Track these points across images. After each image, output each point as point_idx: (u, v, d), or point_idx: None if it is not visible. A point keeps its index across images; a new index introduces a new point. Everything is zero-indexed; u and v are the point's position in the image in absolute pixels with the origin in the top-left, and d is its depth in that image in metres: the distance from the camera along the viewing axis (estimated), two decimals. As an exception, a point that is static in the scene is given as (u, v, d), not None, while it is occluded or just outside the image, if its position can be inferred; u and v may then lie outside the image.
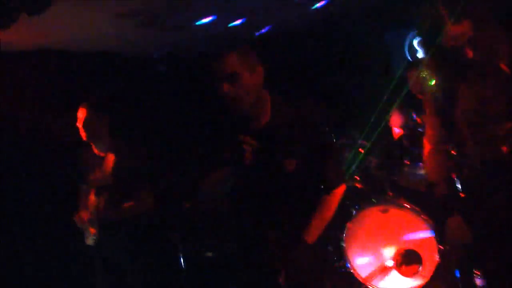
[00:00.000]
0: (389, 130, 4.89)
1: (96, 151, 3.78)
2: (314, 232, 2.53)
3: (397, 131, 4.87)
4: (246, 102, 2.43)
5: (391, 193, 4.33)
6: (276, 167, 2.47)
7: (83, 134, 3.70)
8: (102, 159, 3.74)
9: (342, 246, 4.21)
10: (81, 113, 3.71)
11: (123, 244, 3.73)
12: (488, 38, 2.57)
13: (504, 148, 2.60)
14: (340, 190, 2.60)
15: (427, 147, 2.87)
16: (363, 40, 5.32)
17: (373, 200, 4.32)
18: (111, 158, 3.71)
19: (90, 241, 3.71)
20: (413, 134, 4.47)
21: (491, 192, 2.61)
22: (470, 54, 2.57)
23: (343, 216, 4.32)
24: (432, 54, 2.70)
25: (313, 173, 2.52)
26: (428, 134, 2.87)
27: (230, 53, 2.41)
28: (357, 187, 4.54)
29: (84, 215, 3.70)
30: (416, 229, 4.05)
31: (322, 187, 2.56)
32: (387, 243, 4.14)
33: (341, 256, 4.25)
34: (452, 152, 2.69)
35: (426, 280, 4.00)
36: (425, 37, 2.67)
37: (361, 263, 4.18)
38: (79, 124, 3.70)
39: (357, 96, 5.54)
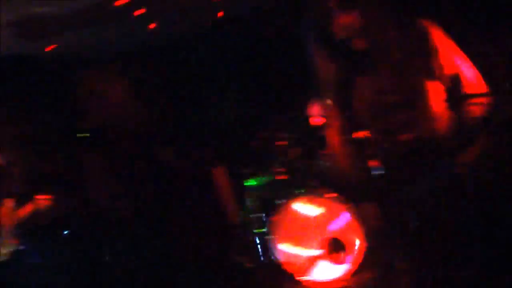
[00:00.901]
0: (308, 119, 4.88)
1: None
2: None
3: (316, 120, 4.87)
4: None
5: (314, 183, 4.33)
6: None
7: None
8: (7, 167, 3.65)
9: (269, 239, 4.21)
10: None
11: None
12: (378, 28, 2.58)
13: (404, 138, 2.64)
14: None
15: (334, 137, 2.90)
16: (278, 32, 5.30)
17: (296, 191, 4.32)
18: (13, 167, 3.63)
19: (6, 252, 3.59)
20: (331, 124, 4.47)
21: (393, 180, 2.63)
22: (361, 44, 2.57)
23: (268, 209, 4.32)
24: (325, 45, 2.69)
25: None
26: (333, 124, 2.89)
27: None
28: (279, 179, 4.52)
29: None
30: (340, 217, 4.06)
31: None
32: (314, 232, 4.14)
33: (269, 250, 4.24)
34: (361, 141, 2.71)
35: (356, 265, 4.02)
36: (317, 28, 2.65)
37: (289, 255, 4.18)
38: None
39: (275, 88, 5.52)
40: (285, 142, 4.60)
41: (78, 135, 2.98)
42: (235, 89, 5.34)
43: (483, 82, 2.73)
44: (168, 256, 3.64)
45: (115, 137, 3.31)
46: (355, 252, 4.00)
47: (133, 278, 3.68)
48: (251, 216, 4.61)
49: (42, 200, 3.60)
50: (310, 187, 4.31)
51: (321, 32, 2.65)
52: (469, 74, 2.71)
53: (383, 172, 2.66)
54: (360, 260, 3.98)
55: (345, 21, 2.56)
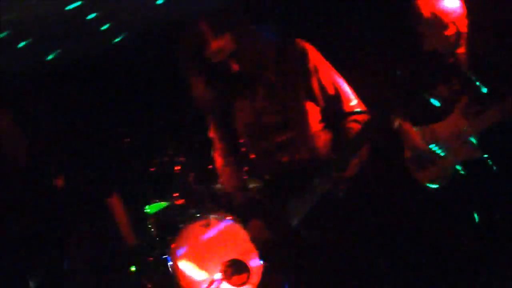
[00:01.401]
0: (206, 143, 4.90)
1: None
2: None
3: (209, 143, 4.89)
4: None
5: (211, 206, 4.35)
6: None
7: None
8: None
9: (170, 265, 4.17)
10: None
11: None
12: (253, 50, 2.63)
13: (284, 158, 2.70)
14: None
15: (218, 161, 2.94)
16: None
17: (194, 215, 4.31)
18: None
19: None
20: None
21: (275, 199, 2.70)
22: (237, 67, 2.62)
23: (168, 234, 4.30)
24: (199, 72, 2.72)
25: None
26: (216, 148, 2.93)
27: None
28: (177, 204, 4.52)
29: None
30: (238, 239, 4.08)
31: None
32: (214, 256, 4.14)
33: (170, 274, 4.20)
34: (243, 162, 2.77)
35: (255, 286, 4.05)
36: (189, 56, 2.67)
37: (191, 280, 4.16)
38: None
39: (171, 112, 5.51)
40: (179, 167, 4.60)
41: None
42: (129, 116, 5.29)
43: (359, 101, 2.83)
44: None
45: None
46: (255, 273, 4.04)
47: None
48: (151, 241, 4.56)
49: None
50: (207, 210, 4.31)
51: (196, 58, 2.67)
52: (346, 93, 2.80)
53: (266, 191, 2.73)
54: (259, 280, 4.04)
55: (219, 45, 2.59)
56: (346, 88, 2.81)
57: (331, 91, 2.76)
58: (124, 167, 4.80)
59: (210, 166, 4.56)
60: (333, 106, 2.77)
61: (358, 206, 2.72)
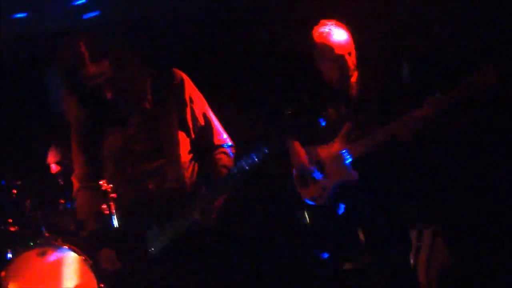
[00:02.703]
0: (46, 167, 4.73)
1: None
2: None
3: (54, 168, 4.73)
4: None
5: (48, 234, 4.16)
6: None
7: None
8: None
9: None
10: None
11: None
12: (127, 78, 2.62)
13: (150, 185, 2.69)
14: None
15: (75, 184, 2.85)
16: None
17: (29, 243, 4.09)
18: None
19: None
20: (68, 172, 4.37)
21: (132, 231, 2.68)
22: (111, 93, 2.59)
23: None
24: (72, 93, 2.66)
25: None
26: (76, 172, 2.85)
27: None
28: (11, 230, 4.26)
29: None
30: (76, 269, 3.93)
31: None
32: (49, 286, 3.95)
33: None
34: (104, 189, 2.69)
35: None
36: (63, 75, 2.60)
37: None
38: None
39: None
40: (17, 191, 4.36)
41: None
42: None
43: (227, 135, 2.93)
44: None
45: None
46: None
47: None
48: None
49: None
50: (44, 238, 4.12)
51: (71, 79, 2.60)
52: (216, 126, 2.88)
53: (124, 219, 2.67)
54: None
55: (95, 70, 2.54)
56: (215, 121, 2.89)
57: (202, 123, 2.82)
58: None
59: (51, 192, 4.43)
60: (203, 137, 2.83)
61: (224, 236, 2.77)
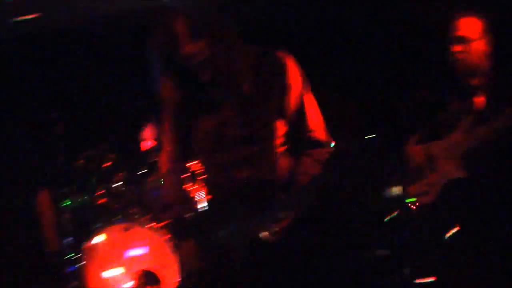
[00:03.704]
0: (139, 142, 4.71)
1: None
2: None
3: (148, 144, 4.71)
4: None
5: (135, 211, 4.13)
6: None
7: None
8: None
9: (81, 266, 3.93)
10: None
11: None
12: (226, 59, 2.47)
13: (241, 174, 2.53)
14: None
15: (164, 165, 2.74)
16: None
17: (115, 217, 4.09)
18: None
19: None
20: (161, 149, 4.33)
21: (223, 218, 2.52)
22: (208, 74, 2.45)
23: (83, 234, 4.06)
24: (168, 72, 2.54)
25: None
26: (165, 150, 2.73)
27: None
28: (99, 202, 4.28)
29: None
30: (157, 249, 3.89)
31: None
32: (127, 263, 3.93)
33: (79, 278, 3.96)
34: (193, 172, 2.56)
35: (165, 301, 3.87)
36: (161, 53, 2.49)
37: (99, 284, 3.93)
38: None
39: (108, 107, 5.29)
40: (109, 164, 4.36)
41: None
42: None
43: (324, 129, 2.69)
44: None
45: None
46: (168, 287, 3.85)
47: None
48: (64, 240, 4.30)
49: None
50: (130, 214, 4.10)
51: (166, 58, 2.48)
52: (314, 121, 2.65)
53: (210, 207, 2.53)
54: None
55: (193, 50, 2.41)
56: (315, 115, 2.66)
57: (300, 114, 2.61)
58: (52, 156, 4.50)
59: (143, 168, 4.40)
60: (298, 130, 2.62)
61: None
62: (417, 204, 3.15)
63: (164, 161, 2.76)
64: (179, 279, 3.77)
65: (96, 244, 3.95)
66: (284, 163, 2.61)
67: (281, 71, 2.55)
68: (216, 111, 2.57)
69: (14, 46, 5.05)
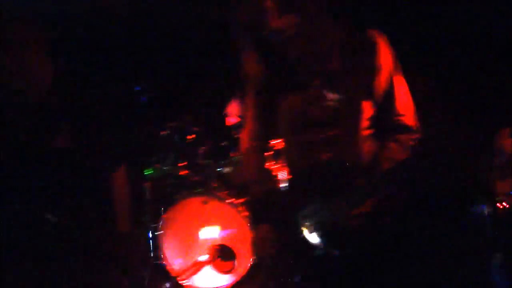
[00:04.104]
0: (223, 118, 4.71)
1: None
2: None
3: (232, 120, 4.70)
4: None
5: (215, 184, 4.14)
6: None
7: None
8: None
9: (158, 235, 3.99)
10: None
11: None
12: (314, 36, 2.38)
13: (324, 155, 2.45)
14: None
15: (244, 143, 2.69)
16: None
17: (195, 189, 4.11)
18: None
19: None
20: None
21: (298, 199, 2.46)
22: (296, 50, 2.38)
23: (162, 204, 4.11)
24: (253, 48, 2.48)
25: None
26: (247, 128, 2.68)
27: None
28: (180, 174, 4.31)
29: None
30: (234, 225, 3.89)
31: None
32: (204, 236, 3.95)
33: (155, 246, 4.03)
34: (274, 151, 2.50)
35: (239, 277, 3.87)
36: (247, 29, 2.43)
37: (175, 255, 3.99)
38: None
39: (194, 79, 5.30)
40: (194, 136, 4.38)
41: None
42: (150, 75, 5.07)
43: (414, 114, 2.57)
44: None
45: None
46: (242, 264, 3.85)
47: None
48: (144, 208, 4.36)
49: None
50: (210, 188, 4.11)
51: (253, 32, 2.43)
52: (403, 105, 2.53)
53: (289, 187, 2.46)
54: (244, 273, 3.85)
55: (280, 25, 2.34)
56: (405, 99, 2.52)
57: (388, 97, 2.49)
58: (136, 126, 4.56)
59: (226, 143, 4.40)
60: (385, 114, 2.50)
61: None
62: (505, 203, 2.98)
63: (245, 139, 2.71)
64: (254, 258, 3.78)
65: (174, 215, 4.00)
66: (368, 147, 2.50)
67: (371, 50, 2.43)
68: (301, 89, 2.49)
69: (102, 16, 5.12)
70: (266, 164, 2.52)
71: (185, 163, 4.37)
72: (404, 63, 2.54)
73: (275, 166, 2.50)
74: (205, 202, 3.97)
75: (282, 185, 2.45)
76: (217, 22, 4.75)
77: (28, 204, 2.86)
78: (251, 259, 3.79)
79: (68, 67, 3.10)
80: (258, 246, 2.78)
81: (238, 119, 4.66)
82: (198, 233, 3.96)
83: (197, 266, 3.89)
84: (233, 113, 4.69)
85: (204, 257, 3.89)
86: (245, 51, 2.57)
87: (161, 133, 4.44)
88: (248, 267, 3.82)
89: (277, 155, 2.49)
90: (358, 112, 2.46)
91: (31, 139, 2.91)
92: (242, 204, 3.85)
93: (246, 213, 3.82)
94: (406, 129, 2.51)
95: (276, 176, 2.48)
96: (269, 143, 2.52)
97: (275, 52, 2.41)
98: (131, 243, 4.21)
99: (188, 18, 5.07)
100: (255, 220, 2.70)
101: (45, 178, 2.87)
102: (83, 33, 5.07)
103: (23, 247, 2.83)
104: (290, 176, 2.46)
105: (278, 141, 2.52)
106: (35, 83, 2.77)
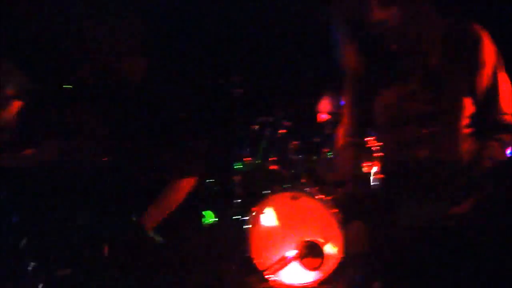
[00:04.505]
0: (315, 114, 4.68)
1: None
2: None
3: (323, 116, 4.67)
4: None
5: (305, 180, 4.12)
6: None
7: None
8: (6, 101, 3.45)
9: (246, 229, 4.00)
10: None
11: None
12: (416, 28, 2.30)
13: (421, 152, 2.37)
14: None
15: (340, 138, 2.63)
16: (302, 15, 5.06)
17: (285, 185, 4.10)
18: (16, 103, 3.42)
19: None
20: (337, 122, 4.25)
21: (397, 199, 2.38)
22: (396, 44, 2.30)
23: (251, 198, 4.12)
24: (353, 40, 2.42)
25: None
26: (343, 123, 2.62)
27: None
28: (270, 169, 4.31)
29: None
30: (324, 222, 3.84)
31: None
32: (292, 232, 3.93)
33: (244, 240, 4.03)
34: (370, 147, 2.44)
35: (325, 275, 3.82)
36: (347, 21, 2.37)
37: (262, 249, 3.98)
38: None
39: (287, 75, 5.30)
40: (285, 131, 4.38)
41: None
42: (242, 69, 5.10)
43: None
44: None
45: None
46: (330, 261, 3.81)
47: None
48: (233, 201, 4.40)
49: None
50: (299, 184, 4.09)
51: (353, 25, 2.37)
52: (506, 100, 2.40)
53: (385, 185, 2.39)
54: (331, 270, 3.80)
55: (382, 17, 2.28)
56: (508, 94, 2.40)
57: (491, 93, 2.37)
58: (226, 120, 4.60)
59: (317, 140, 4.37)
60: (488, 111, 2.39)
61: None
62: None
63: (341, 134, 2.65)
64: (342, 256, 3.72)
65: (263, 210, 4.00)
66: (468, 145, 2.40)
67: (474, 45, 2.33)
68: (400, 83, 2.40)
69: (199, 8, 5.20)
70: (361, 160, 2.46)
71: (275, 158, 4.38)
72: (508, 60, 2.43)
73: (370, 163, 2.44)
74: (294, 198, 3.94)
75: (377, 182, 2.38)
76: (313, 17, 4.74)
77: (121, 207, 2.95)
78: (339, 257, 3.74)
79: (162, 61, 3.14)
80: (349, 243, 2.71)
81: (329, 116, 4.63)
82: (286, 228, 3.94)
83: (284, 262, 3.88)
84: (324, 110, 4.67)
85: (291, 253, 3.87)
86: (345, 45, 2.51)
87: (252, 127, 4.47)
88: (335, 265, 3.78)
89: (372, 152, 2.43)
90: (458, 109, 2.36)
91: (128, 129, 2.97)
92: (332, 200, 3.81)
93: (336, 210, 3.78)
94: (509, 128, 2.39)
95: (371, 173, 2.42)
96: (364, 139, 2.45)
97: (376, 44, 2.34)
98: (219, 236, 4.27)
99: (283, 13, 5.07)
100: (348, 217, 2.63)
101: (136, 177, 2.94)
102: (175, 28, 5.17)
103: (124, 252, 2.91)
104: (386, 173, 2.39)
105: (373, 138, 2.46)
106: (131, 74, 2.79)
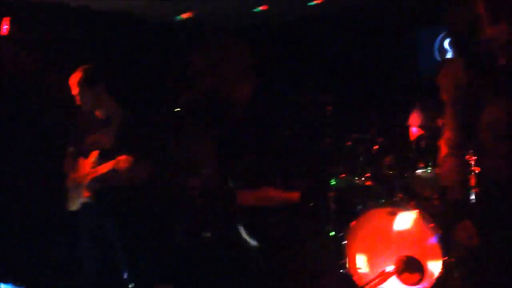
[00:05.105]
0: (407, 129, 4.68)
1: (97, 114, 3.68)
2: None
3: (415, 131, 4.66)
4: None
5: (401, 195, 4.11)
6: None
7: (79, 103, 3.63)
8: (103, 122, 3.65)
9: (343, 245, 4.04)
10: (73, 82, 3.62)
11: (112, 214, 3.61)
12: None
13: None
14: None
15: (443, 150, 2.64)
16: (391, 36, 5.08)
17: (381, 200, 4.12)
18: (114, 122, 3.63)
19: (75, 206, 3.61)
20: (431, 136, 4.23)
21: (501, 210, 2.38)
22: (504, 59, 2.32)
23: (348, 214, 4.15)
24: (463, 56, 2.45)
25: None
26: (445, 137, 2.64)
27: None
28: (366, 185, 4.33)
29: (76, 177, 3.63)
30: (422, 237, 3.83)
31: None
32: (390, 247, 3.93)
33: (342, 256, 4.06)
34: (469, 159, 2.46)
35: (426, 291, 3.80)
36: (456, 37, 2.40)
37: (360, 265, 4.00)
38: (74, 93, 3.62)
39: (378, 92, 5.32)
40: (378, 147, 4.40)
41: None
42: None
43: None
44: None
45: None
46: (429, 277, 3.79)
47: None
48: (329, 217, 4.44)
49: (123, 161, 3.52)
50: (396, 198, 4.09)
51: (464, 39, 2.41)
52: None
53: (490, 196, 2.39)
54: (431, 286, 3.77)
55: (493, 33, 2.30)
56: None
57: None
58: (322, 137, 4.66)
59: (411, 155, 4.36)
60: None
61: None
62: None
63: (443, 146, 2.66)
64: (442, 271, 3.70)
65: (360, 225, 4.03)
66: None
67: None
68: (507, 98, 2.42)
69: (295, 27, 5.30)
70: (466, 171, 2.48)
71: (370, 174, 4.40)
72: None
73: (470, 176, 2.46)
74: (392, 213, 3.95)
75: (480, 193, 2.40)
76: (404, 35, 4.77)
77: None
78: (438, 273, 3.72)
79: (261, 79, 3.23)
80: (448, 258, 2.72)
81: (421, 131, 4.61)
82: (384, 243, 3.95)
83: (383, 277, 3.88)
84: (415, 124, 4.66)
85: (390, 268, 3.87)
86: (452, 59, 2.54)
87: (346, 144, 4.51)
88: (434, 281, 3.76)
89: (471, 165, 2.45)
90: None
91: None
92: (430, 215, 3.80)
93: (434, 225, 3.77)
94: None
95: (474, 184, 2.44)
96: (467, 151, 2.47)
97: (484, 59, 2.37)
98: (317, 252, 4.33)
99: (376, 31, 5.10)
100: (448, 231, 2.64)
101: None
102: (269, 47, 5.30)
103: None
104: (491, 185, 2.40)
105: (473, 151, 2.47)
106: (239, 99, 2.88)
